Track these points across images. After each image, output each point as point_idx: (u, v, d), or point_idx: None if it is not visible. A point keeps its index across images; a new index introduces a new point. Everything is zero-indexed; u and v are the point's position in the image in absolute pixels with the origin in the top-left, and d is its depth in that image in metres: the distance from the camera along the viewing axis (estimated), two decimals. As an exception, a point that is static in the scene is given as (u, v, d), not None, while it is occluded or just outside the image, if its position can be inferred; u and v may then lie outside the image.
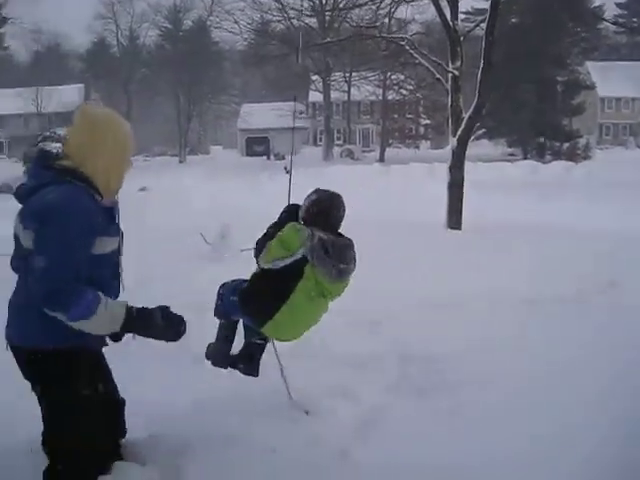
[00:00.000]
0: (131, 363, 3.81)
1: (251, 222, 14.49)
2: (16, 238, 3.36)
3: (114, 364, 3.87)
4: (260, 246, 4.55)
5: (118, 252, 3.58)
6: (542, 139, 57.21)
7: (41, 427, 3.65)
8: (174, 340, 3.50)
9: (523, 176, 36.08)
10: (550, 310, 7.83)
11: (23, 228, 3.29)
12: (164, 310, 3.46)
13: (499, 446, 4.41)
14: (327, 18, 51.79)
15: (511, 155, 57.31)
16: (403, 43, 18.26)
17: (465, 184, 15.86)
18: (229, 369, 5.10)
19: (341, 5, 48.69)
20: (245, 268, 8.96)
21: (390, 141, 65.11)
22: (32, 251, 3.23)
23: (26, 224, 3.28)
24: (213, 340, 5.14)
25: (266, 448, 4.35)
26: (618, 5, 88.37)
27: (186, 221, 15.59)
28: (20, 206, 3.39)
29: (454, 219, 15.48)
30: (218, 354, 5.08)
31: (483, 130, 53.73)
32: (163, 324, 3.41)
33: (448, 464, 4.21)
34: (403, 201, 21.77)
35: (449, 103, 16.37)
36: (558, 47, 55.71)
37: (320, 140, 69.81)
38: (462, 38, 16.33)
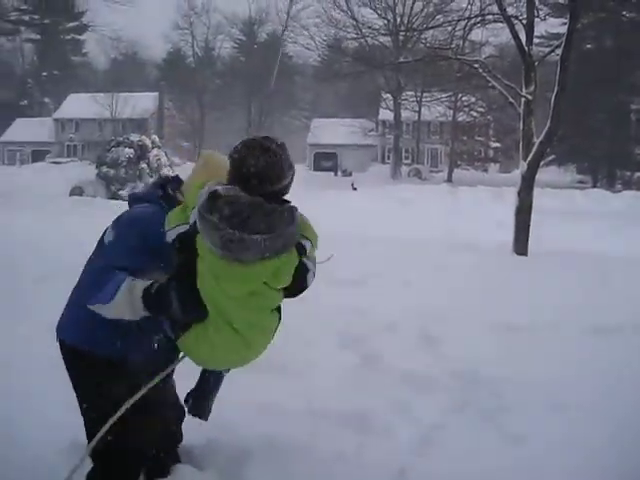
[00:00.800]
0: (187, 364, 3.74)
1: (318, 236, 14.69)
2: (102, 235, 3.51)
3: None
4: None
5: None
6: (613, 168, 56.37)
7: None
8: (190, 318, 3.15)
9: (592, 205, 35.56)
10: (617, 340, 7.71)
11: (110, 229, 3.47)
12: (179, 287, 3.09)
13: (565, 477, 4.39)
14: (401, 38, 51.75)
15: (580, 182, 56.52)
16: (477, 66, 18.23)
17: (533, 210, 15.73)
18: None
19: (415, 25, 48.72)
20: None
21: (458, 163, 64.71)
22: None
23: (112, 226, 3.46)
24: None
25: (327, 460, 4.40)
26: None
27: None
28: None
29: (521, 244, 15.34)
30: None
31: (553, 156, 53.41)
32: (178, 306, 3.06)
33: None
34: (470, 223, 21.70)
35: (521, 127, 16.27)
36: (633, 75, 54.93)
37: (388, 158, 69.57)
38: (537, 63, 16.24)
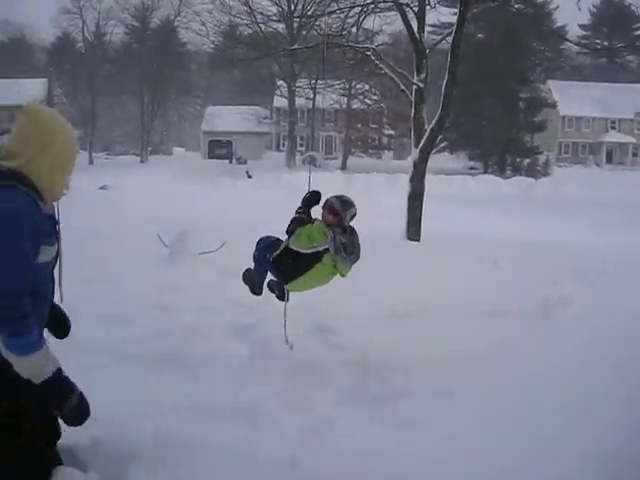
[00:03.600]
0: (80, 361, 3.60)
1: (210, 226, 14.53)
2: None
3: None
4: (293, 227, 6.15)
5: (55, 260, 3.36)
6: (503, 154, 57.77)
7: None
8: (74, 424, 3.37)
9: (484, 190, 36.33)
10: (502, 323, 7.87)
11: None
12: (81, 395, 3.31)
13: (454, 462, 4.40)
14: (295, 25, 51.75)
15: (472, 169, 57.71)
16: (369, 53, 18.30)
17: (426, 196, 15.90)
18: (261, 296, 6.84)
19: (309, 12, 48.70)
20: (203, 270, 8.83)
21: (353, 150, 65.19)
22: None
23: None
24: None
25: (217, 456, 4.28)
26: (582, 27, 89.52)
27: (145, 222, 15.43)
28: None
29: (413, 230, 15.50)
30: (254, 284, 6.70)
31: (445, 143, 54.40)
32: (75, 405, 3.26)
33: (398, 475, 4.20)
34: (364, 210, 21.78)
35: (412, 114, 16.44)
36: (522, 65, 56.43)
37: (283, 146, 69.70)
38: (428, 51, 16.43)
